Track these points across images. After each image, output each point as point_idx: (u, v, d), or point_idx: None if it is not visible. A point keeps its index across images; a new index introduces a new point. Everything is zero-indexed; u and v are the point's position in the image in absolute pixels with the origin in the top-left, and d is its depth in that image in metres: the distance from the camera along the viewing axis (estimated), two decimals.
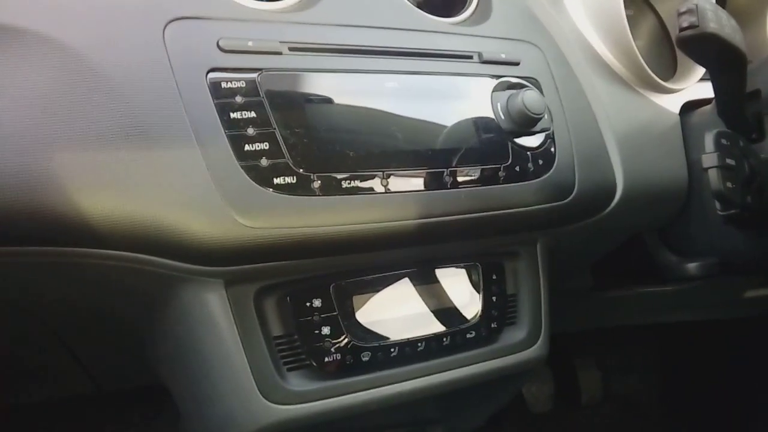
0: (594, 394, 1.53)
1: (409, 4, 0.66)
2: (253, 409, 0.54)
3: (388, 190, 0.56)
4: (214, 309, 0.53)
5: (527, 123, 0.63)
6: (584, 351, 1.52)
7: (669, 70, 0.85)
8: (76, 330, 0.69)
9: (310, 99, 0.55)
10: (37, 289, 0.55)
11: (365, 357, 0.59)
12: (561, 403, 1.51)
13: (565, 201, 0.66)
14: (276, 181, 0.51)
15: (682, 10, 0.59)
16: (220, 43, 0.52)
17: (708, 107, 0.77)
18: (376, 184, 0.56)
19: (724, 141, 0.64)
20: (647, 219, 0.78)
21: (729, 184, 0.62)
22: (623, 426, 1.53)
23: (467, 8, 0.70)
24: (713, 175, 0.62)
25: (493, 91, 0.64)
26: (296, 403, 0.55)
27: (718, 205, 0.66)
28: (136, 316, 0.60)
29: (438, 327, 0.63)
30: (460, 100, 0.63)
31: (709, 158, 0.63)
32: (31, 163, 0.46)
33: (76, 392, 0.90)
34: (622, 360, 1.57)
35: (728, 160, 0.62)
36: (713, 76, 0.69)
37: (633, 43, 0.74)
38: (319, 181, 0.53)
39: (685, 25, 0.59)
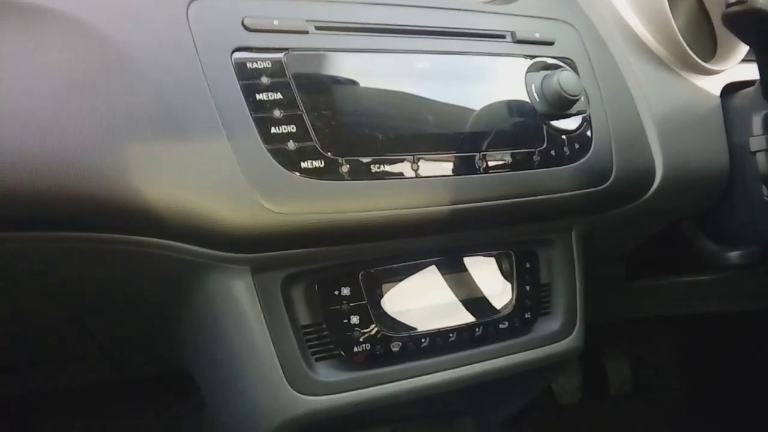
0: (622, 385, 1.50)
1: None
2: (280, 399, 0.53)
3: (419, 174, 0.54)
4: (241, 296, 0.52)
5: (563, 105, 0.61)
6: (612, 341, 1.49)
7: (708, 50, 0.82)
8: (102, 316, 0.68)
9: (337, 80, 0.53)
10: (64, 272, 0.54)
11: (395, 347, 0.57)
12: (589, 395, 1.48)
13: (602, 187, 0.64)
14: (303, 164, 0.50)
15: None
16: (245, 22, 0.50)
17: (752, 89, 0.73)
18: (405, 168, 0.54)
19: None
20: (686, 205, 0.75)
21: None
22: (652, 417, 1.50)
23: None
24: (762, 159, 0.59)
25: (527, 72, 0.62)
26: (325, 394, 0.54)
27: (765, 190, 0.63)
28: (163, 303, 0.59)
29: (469, 317, 0.61)
30: (493, 81, 0.60)
31: (758, 141, 0.60)
32: (53, 146, 0.45)
33: (99, 378, 0.90)
34: (651, 350, 1.54)
35: None
36: (759, 55, 0.65)
37: (673, 21, 0.70)
38: (348, 165, 0.51)
39: (732, 0, 0.56)
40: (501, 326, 0.62)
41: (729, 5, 0.56)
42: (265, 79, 0.50)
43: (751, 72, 0.76)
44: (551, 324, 0.66)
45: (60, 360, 0.83)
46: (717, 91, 0.75)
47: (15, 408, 1.02)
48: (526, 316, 0.63)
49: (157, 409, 1.12)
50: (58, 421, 1.07)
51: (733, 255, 0.74)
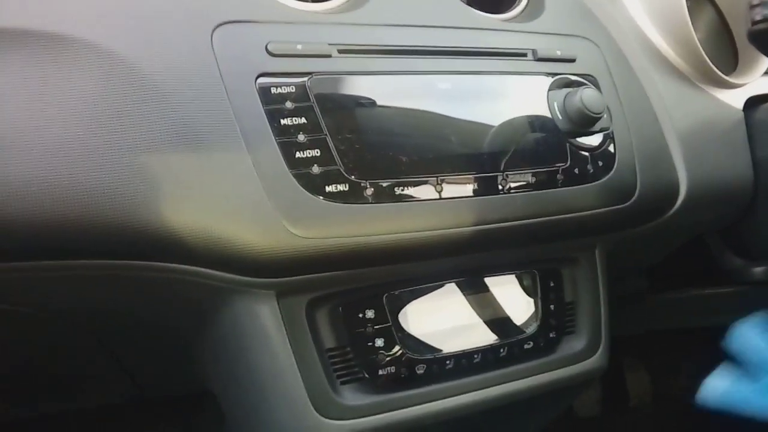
0: (642, 396, 1.48)
1: (459, 1, 0.63)
2: (306, 424, 0.53)
3: (442, 196, 0.54)
4: (266, 321, 0.52)
5: (586, 122, 0.60)
6: (631, 353, 1.47)
7: (730, 64, 0.81)
8: (124, 339, 0.68)
9: (361, 102, 0.53)
10: (91, 298, 0.54)
11: (420, 370, 0.56)
12: (608, 407, 1.46)
13: (627, 204, 0.63)
14: (328, 189, 0.49)
15: (755, 2, 0.55)
16: (268, 47, 0.50)
17: None
18: (429, 190, 0.53)
19: None
20: (711, 220, 0.75)
21: None
22: (672, 429, 1.47)
23: (518, 3, 0.67)
24: None
25: (549, 90, 0.61)
26: (350, 419, 0.54)
27: None
28: (186, 328, 0.59)
29: (493, 337, 0.60)
30: (515, 100, 0.60)
31: None
32: (81, 174, 0.45)
33: (119, 400, 0.90)
34: (671, 361, 1.52)
35: None
36: None
37: (695, 35, 0.70)
38: (372, 188, 0.51)
39: (758, 18, 0.55)
40: (526, 346, 0.61)
41: (755, 22, 0.55)
42: (289, 104, 0.50)
43: None
44: (576, 343, 0.65)
45: (79, 382, 0.83)
46: (740, 105, 0.75)
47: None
48: (551, 335, 0.63)
49: (173, 425, 1.12)
50: None
51: (759, 270, 0.73)
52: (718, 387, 0.29)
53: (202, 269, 0.49)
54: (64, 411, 0.96)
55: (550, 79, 0.62)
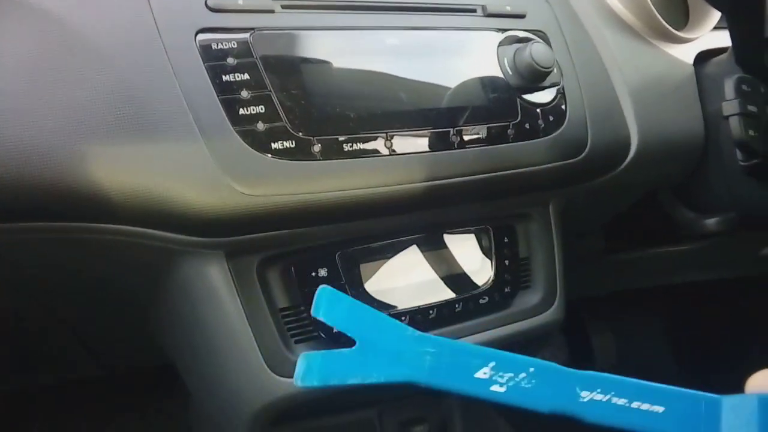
0: (608, 359, 1.51)
1: None
2: (261, 383, 0.53)
3: (393, 152, 0.54)
4: (216, 282, 0.51)
5: (536, 77, 0.60)
6: (597, 316, 1.50)
7: (681, 19, 0.81)
8: (80, 308, 0.67)
9: (306, 59, 0.52)
10: (36, 263, 0.53)
11: None
12: (578, 366, 1.48)
13: (578, 158, 0.63)
14: (274, 146, 0.49)
15: None
16: (208, 2, 0.49)
17: (724, 56, 0.74)
18: (379, 146, 0.53)
19: (745, 87, 0.61)
20: (663, 174, 0.75)
21: (751, 132, 0.59)
22: None
23: None
24: (735, 123, 0.59)
25: (498, 46, 0.61)
26: None
27: (739, 154, 0.63)
28: (140, 293, 0.58)
29: (449, 294, 0.61)
30: (465, 56, 0.60)
31: (730, 105, 0.59)
32: (16, 134, 0.44)
33: (82, 374, 0.89)
34: (636, 324, 1.55)
35: (750, 107, 0.59)
36: (730, 21, 0.65)
37: None
38: (320, 145, 0.50)
39: None
40: (481, 301, 0.62)
41: None
42: (231, 60, 0.49)
43: (722, 39, 0.76)
44: (531, 297, 0.66)
45: (40, 358, 0.82)
46: (690, 60, 0.75)
47: None
48: (506, 290, 0.63)
49: (144, 404, 1.11)
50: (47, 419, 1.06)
51: (711, 222, 0.75)
52: (313, 361, 0.29)
53: (147, 230, 0.48)
54: (28, 388, 0.95)
55: (500, 35, 0.62)
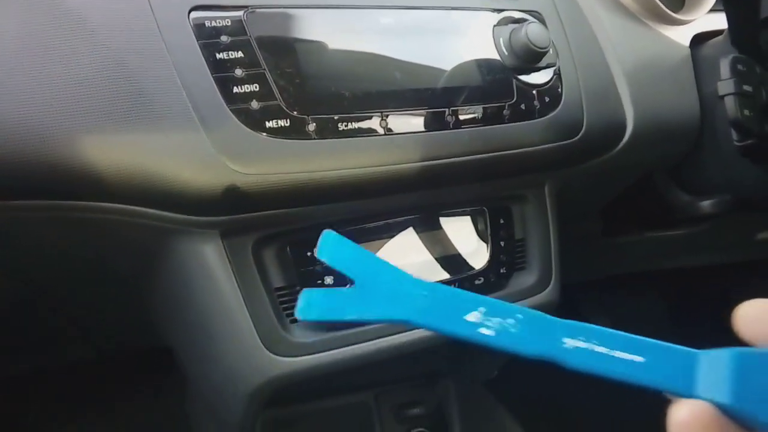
0: None
1: None
2: (257, 362, 0.53)
3: (388, 131, 0.53)
4: (211, 261, 0.51)
5: (532, 58, 0.60)
6: (593, 299, 1.51)
7: (677, 1, 0.81)
8: (75, 293, 0.67)
9: (300, 37, 0.52)
10: (28, 243, 0.53)
11: None
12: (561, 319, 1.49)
13: (574, 139, 0.63)
14: (268, 124, 0.49)
15: None
16: None
17: (720, 38, 0.73)
18: (374, 125, 0.53)
19: (740, 67, 0.60)
20: (658, 156, 0.75)
21: (746, 112, 0.59)
22: None
23: None
24: (730, 103, 0.59)
25: (494, 26, 0.61)
26: (301, 355, 0.54)
27: (734, 134, 0.63)
28: (135, 273, 0.58)
29: (444, 274, 0.61)
30: (461, 36, 0.60)
31: (726, 85, 0.59)
32: (9, 111, 0.43)
33: (79, 358, 0.90)
34: (632, 308, 1.56)
35: (745, 87, 0.59)
36: (726, 3, 0.65)
37: None
38: (314, 124, 0.50)
39: None
40: (476, 282, 0.62)
41: None
42: (225, 38, 0.48)
43: (719, 21, 0.76)
44: (527, 278, 0.66)
45: (36, 341, 0.82)
46: (686, 42, 0.75)
47: None
48: (502, 271, 0.64)
49: (141, 387, 1.12)
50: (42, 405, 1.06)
51: (705, 204, 0.75)
52: (313, 297, 0.30)
53: (142, 209, 0.48)
54: (25, 372, 0.96)
55: (495, 15, 0.62)
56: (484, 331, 0.28)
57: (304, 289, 0.29)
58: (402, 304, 0.28)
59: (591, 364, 0.27)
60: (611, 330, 0.27)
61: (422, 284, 0.29)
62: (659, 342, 0.27)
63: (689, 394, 0.26)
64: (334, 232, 0.31)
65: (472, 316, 0.28)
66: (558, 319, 0.28)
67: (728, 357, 0.26)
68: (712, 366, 0.26)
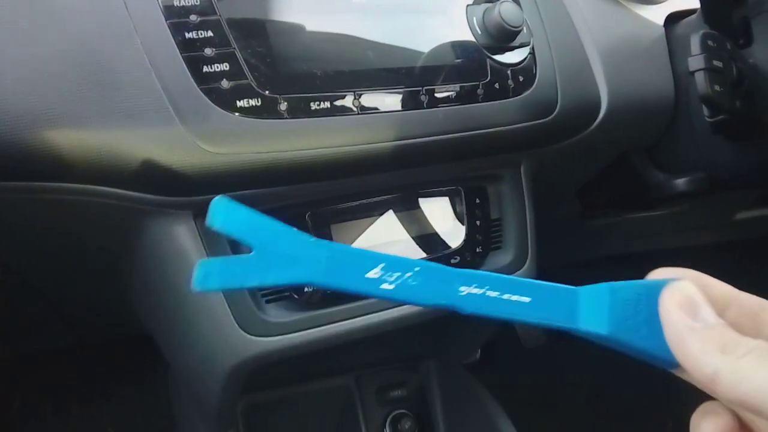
0: None
1: None
2: (233, 342, 0.53)
3: (361, 111, 0.53)
4: (185, 242, 0.51)
5: (505, 37, 0.60)
6: (572, 283, 1.51)
7: None
8: (54, 280, 0.67)
9: (272, 16, 0.52)
10: (4, 227, 0.52)
11: None
12: (554, 337, 1.50)
13: (548, 119, 0.64)
14: (239, 103, 0.48)
15: None
16: None
17: (693, 16, 0.74)
18: (347, 104, 0.53)
19: (710, 42, 0.61)
20: (633, 135, 0.76)
21: (717, 87, 0.59)
22: (617, 358, 1.53)
23: None
24: (700, 78, 0.59)
25: (468, 6, 0.61)
26: (277, 335, 0.54)
27: (705, 111, 0.63)
28: (112, 257, 0.58)
29: (420, 254, 0.61)
30: (434, 15, 0.59)
31: (696, 60, 0.60)
32: None
33: (59, 344, 0.89)
34: None
35: (715, 62, 0.59)
36: None
37: None
38: (286, 103, 0.50)
39: None
40: (453, 261, 0.62)
41: None
42: (194, 18, 0.48)
43: (693, 1, 0.77)
44: (503, 258, 0.66)
45: (17, 328, 0.82)
46: (660, 21, 0.76)
47: None
48: (478, 250, 0.64)
49: (124, 374, 1.12)
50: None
51: (680, 182, 0.75)
52: (211, 267, 0.29)
53: (113, 189, 0.48)
54: (8, 358, 0.95)
55: None
56: (385, 286, 0.28)
57: (201, 260, 0.28)
58: (303, 266, 0.29)
59: (485, 308, 0.29)
60: (502, 275, 0.29)
61: (322, 245, 0.29)
62: (544, 282, 0.29)
63: (571, 327, 0.29)
64: (227, 198, 0.29)
65: (373, 273, 0.28)
66: (453, 268, 0.29)
67: (604, 291, 0.29)
68: (591, 301, 0.29)
